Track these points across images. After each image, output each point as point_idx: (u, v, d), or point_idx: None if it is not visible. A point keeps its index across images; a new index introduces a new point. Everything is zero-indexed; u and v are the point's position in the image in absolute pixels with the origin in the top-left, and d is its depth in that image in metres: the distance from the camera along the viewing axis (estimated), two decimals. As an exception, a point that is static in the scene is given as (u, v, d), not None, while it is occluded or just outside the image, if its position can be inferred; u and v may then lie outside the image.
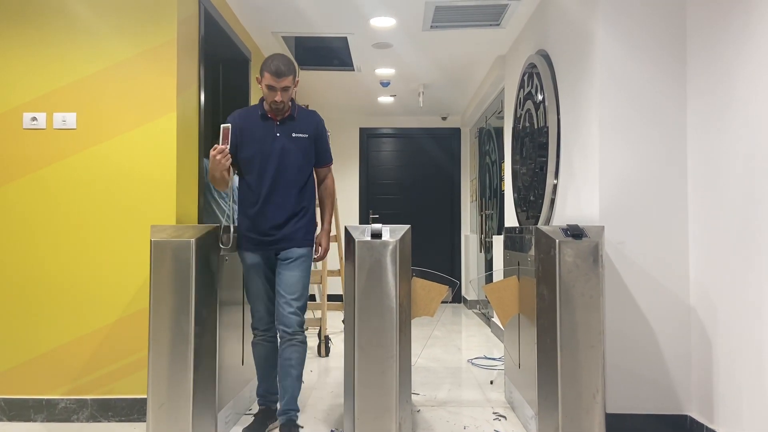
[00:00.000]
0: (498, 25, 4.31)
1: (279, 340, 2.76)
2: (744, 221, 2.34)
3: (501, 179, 5.50)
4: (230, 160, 2.59)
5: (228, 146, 2.56)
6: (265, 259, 2.74)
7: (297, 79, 2.70)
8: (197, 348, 2.57)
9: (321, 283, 4.50)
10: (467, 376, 3.90)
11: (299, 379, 2.75)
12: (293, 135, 2.73)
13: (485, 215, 6.42)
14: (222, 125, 2.59)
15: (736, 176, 2.39)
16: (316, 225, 2.85)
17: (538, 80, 3.73)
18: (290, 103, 2.74)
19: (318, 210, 2.97)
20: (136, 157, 2.97)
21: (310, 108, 3.02)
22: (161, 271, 2.57)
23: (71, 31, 2.98)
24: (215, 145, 2.56)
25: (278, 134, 2.71)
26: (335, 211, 4.39)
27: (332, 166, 2.98)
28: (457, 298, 7.61)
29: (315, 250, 2.87)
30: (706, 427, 2.60)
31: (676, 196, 2.80)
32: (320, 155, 2.88)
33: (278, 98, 2.65)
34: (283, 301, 2.68)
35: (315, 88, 6.19)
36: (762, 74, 2.24)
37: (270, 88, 2.63)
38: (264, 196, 2.68)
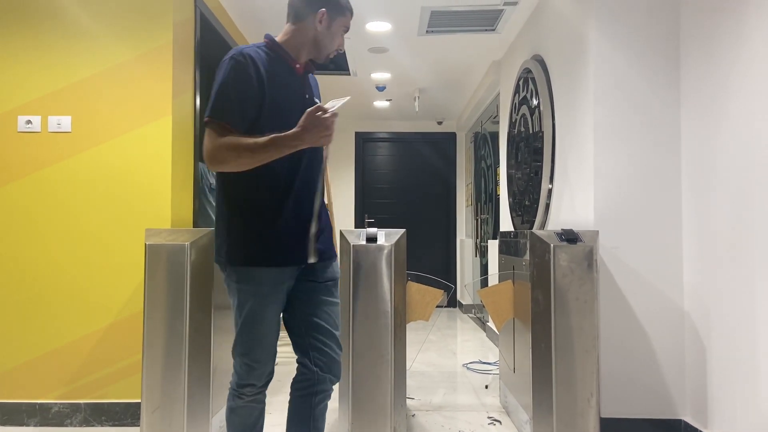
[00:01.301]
0: (493, 30, 4.33)
1: (306, 393, 1.93)
2: (737, 226, 2.35)
3: (496, 184, 5.51)
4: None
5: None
6: (288, 279, 1.88)
7: None
8: (191, 352, 2.57)
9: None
10: (462, 381, 3.89)
11: None
12: (313, 98, 1.98)
13: (480, 220, 6.43)
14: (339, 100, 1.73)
15: (730, 182, 2.41)
16: None
17: (533, 85, 3.75)
18: None
19: None
20: (131, 161, 2.96)
21: None
22: (156, 275, 2.56)
23: (66, 34, 2.98)
24: (318, 105, 1.69)
25: (306, 95, 1.92)
26: None
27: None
28: (452, 302, 7.62)
29: None
30: (700, 431, 2.61)
31: (670, 201, 2.81)
32: None
33: (343, 45, 1.97)
34: (333, 343, 1.93)
35: (311, 92, 6.19)
36: (757, 80, 2.25)
37: (342, 31, 1.95)
38: (298, 186, 1.85)
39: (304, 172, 1.86)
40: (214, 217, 3.84)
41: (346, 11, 1.93)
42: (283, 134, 1.70)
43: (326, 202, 2.14)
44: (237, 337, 1.86)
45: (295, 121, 1.72)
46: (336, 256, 2.00)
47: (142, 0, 2.98)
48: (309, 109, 1.67)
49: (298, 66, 1.91)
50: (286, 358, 4.15)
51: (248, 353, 1.85)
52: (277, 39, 1.93)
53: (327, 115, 1.66)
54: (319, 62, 1.97)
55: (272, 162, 1.74)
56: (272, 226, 1.81)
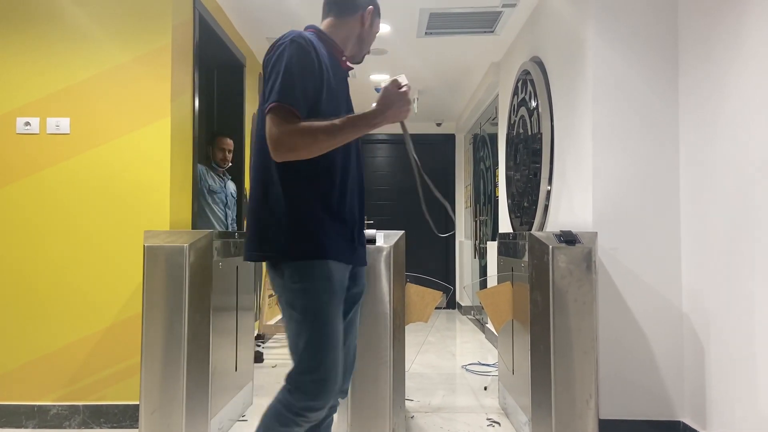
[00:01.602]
0: (492, 31, 4.33)
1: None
2: (736, 228, 2.36)
3: (495, 185, 5.52)
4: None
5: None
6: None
7: None
8: (190, 354, 2.56)
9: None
10: (461, 382, 3.89)
11: None
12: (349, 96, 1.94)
13: (479, 221, 6.44)
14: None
15: (729, 183, 2.41)
16: None
17: (531, 87, 3.75)
18: None
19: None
20: (129, 163, 2.96)
21: None
22: (154, 277, 2.56)
23: (65, 36, 2.97)
24: (395, 80, 1.67)
25: (347, 92, 1.92)
26: None
27: None
28: (451, 303, 7.61)
29: None
30: (699, 432, 2.61)
31: (668, 203, 2.81)
32: None
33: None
34: (350, 359, 1.83)
35: (310, 93, 6.19)
36: (754, 80, 2.25)
37: (376, 33, 1.94)
38: (351, 181, 1.79)
39: (354, 168, 1.79)
40: (214, 221, 3.83)
41: (380, 13, 1.92)
42: (361, 114, 1.63)
43: None
44: (305, 349, 1.59)
45: (343, 115, 1.65)
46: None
47: (141, 2, 2.98)
48: (386, 85, 1.64)
49: (344, 58, 1.85)
50: (285, 360, 4.15)
51: (321, 364, 1.58)
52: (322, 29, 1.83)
53: (404, 88, 1.64)
54: (354, 62, 1.91)
55: (329, 154, 1.64)
56: (338, 219, 1.68)
